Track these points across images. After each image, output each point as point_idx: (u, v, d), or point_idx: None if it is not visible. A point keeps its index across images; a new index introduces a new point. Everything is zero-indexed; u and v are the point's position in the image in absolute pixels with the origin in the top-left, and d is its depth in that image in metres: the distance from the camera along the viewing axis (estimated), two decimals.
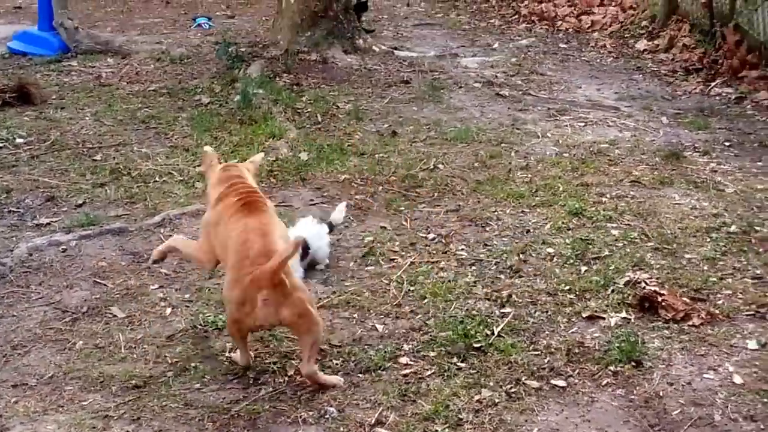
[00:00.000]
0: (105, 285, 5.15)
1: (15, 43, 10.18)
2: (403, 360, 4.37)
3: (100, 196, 6.33)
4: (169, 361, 4.41)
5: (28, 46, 10.06)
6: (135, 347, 4.54)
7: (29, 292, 5.09)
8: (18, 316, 4.84)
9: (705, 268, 5.13)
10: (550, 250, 5.37)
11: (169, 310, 4.87)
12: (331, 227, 5.42)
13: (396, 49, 9.95)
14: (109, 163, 6.89)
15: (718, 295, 4.86)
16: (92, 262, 5.40)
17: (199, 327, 4.70)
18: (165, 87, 8.80)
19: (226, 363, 4.40)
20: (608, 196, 6.10)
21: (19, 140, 7.31)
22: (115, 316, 4.84)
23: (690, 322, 4.56)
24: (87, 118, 7.90)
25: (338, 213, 5.50)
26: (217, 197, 4.47)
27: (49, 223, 5.95)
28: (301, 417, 3.99)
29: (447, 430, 3.86)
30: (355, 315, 4.79)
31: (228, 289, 4.13)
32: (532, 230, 5.63)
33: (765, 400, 3.99)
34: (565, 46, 10.31)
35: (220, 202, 4.43)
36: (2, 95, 8.19)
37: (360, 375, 4.27)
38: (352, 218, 5.89)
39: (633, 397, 4.05)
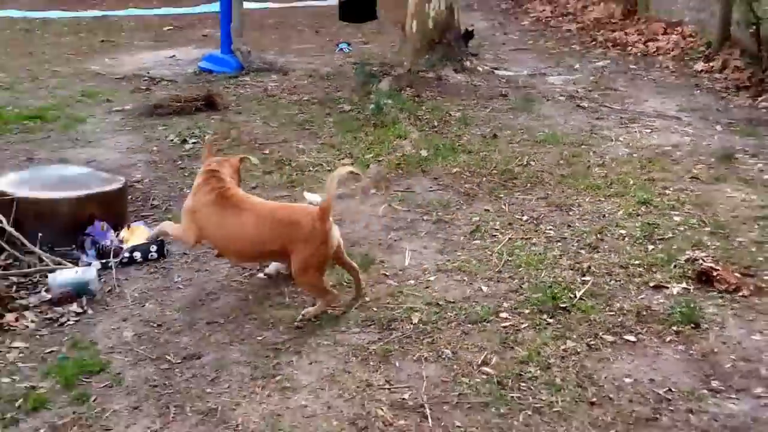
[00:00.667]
0: None
1: (204, 63, 10.44)
2: (503, 315, 4.36)
3: (268, 181, 6.46)
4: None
5: (213, 65, 10.30)
6: (296, 297, 4.63)
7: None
8: (210, 271, 5.00)
9: (753, 249, 4.95)
10: (623, 231, 5.26)
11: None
12: None
13: (496, 69, 9.85)
14: (275, 156, 7.02)
15: (765, 272, 4.69)
16: None
17: (344, 284, 4.76)
18: (316, 97, 8.91)
19: (365, 312, 4.45)
20: (671, 189, 5.94)
21: (207, 137, 7.51)
22: (281, 272, 4.94)
23: (740, 293, 4.42)
24: (257, 121, 8.07)
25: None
26: (195, 187, 4.72)
27: None
28: (423, 356, 4.03)
29: (539, 371, 3.84)
30: (465, 278, 4.78)
31: (307, 233, 4.26)
32: (607, 215, 5.52)
33: None
34: (634, 67, 10.04)
35: (197, 192, 4.67)
36: (195, 103, 8.42)
37: (469, 325, 4.27)
38: (462, 202, 5.88)
39: (692, 352, 3.96)
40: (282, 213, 4.52)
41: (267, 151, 7.14)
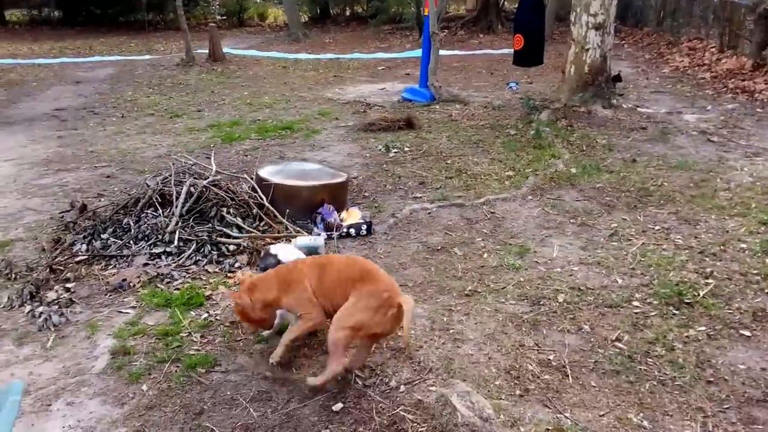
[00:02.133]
0: (451, 235, 5.29)
1: (406, 94, 10.62)
2: (635, 303, 4.13)
3: (449, 184, 6.49)
4: (486, 283, 4.48)
5: (413, 96, 10.47)
6: (466, 273, 4.64)
7: (409, 235, 5.34)
8: (402, 247, 5.11)
9: None
10: (743, 245, 4.80)
11: (486, 254, 4.92)
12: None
13: (638, 107, 9.28)
14: (455, 166, 7.03)
15: None
16: (444, 221, 5.57)
17: (504, 266, 4.71)
18: (488, 123, 8.83)
19: (521, 289, 4.37)
20: None
21: (406, 149, 7.67)
22: (456, 253, 4.97)
23: None
24: (443, 139, 8.11)
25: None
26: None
27: (420, 197, 6.18)
28: (566, 328, 3.91)
29: (664, 351, 3.61)
30: (603, 271, 4.57)
31: (365, 300, 3.29)
32: (730, 231, 5.07)
33: None
34: (760, 110, 9.08)
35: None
36: (398, 123, 8.61)
37: (605, 308, 4.09)
38: (603, 211, 5.62)
39: None
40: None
41: (449, 162, 7.17)
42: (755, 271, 4.40)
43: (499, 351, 3.70)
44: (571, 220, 5.47)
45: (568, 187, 6.26)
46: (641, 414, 3.14)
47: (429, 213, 5.74)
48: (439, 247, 5.06)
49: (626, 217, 5.48)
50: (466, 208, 5.83)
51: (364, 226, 5.34)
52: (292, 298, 3.52)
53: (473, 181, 6.54)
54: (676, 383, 3.35)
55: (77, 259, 4.79)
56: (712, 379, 3.36)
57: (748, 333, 3.74)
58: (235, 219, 5.16)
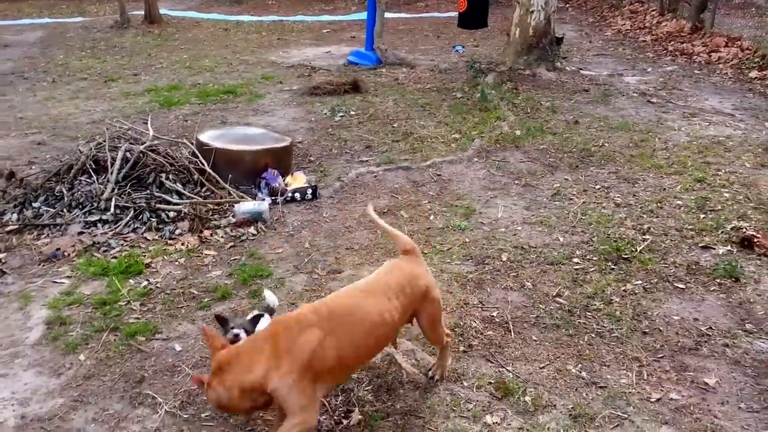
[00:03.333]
0: (397, 197, 5.30)
1: (351, 57, 10.49)
2: (575, 260, 4.24)
3: (395, 148, 6.47)
4: (433, 245, 4.51)
5: (358, 59, 10.34)
6: (413, 234, 4.64)
7: (355, 198, 5.32)
8: (349, 211, 5.09)
9: None
10: (680, 202, 4.98)
11: (432, 216, 4.96)
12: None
13: (581, 69, 9.43)
14: (402, 129, 7.01)
15: None
16: (390, 185, 5.56)
17: (450, 227, 4.75)
18: (435, 86, 8.82)
19: (466, 250, 4.43)
20: (723, 171, 5.55)
21: (352, 113, 7.59)
22: (402, 215, 4.98)
23: None
24: (390, 102, 8.07)
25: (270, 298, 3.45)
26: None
27: (367, 160, 6.15)
28: (509, 285, 3.98)
29: (602, 305, 3.73)
30: (546, 230, 4.67)
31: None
32: (667, 189, 5.24)
33: None
34: (698, 72, 9.36)
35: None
36: (344, 86, 8.51)
37: (547, 265, 4.18)
38: (546, 172, 5.72)
39: (731, 300, 3.75)
40: None
41: (395, 125, 7.14)
42: (690, 227, 4.57)
43: (444, 310, 3.74)
44: (516, 181, 5.55)
45: (512, 149, 6.33)
46: (580, 365, 3.24)
47: (375, 176, 5.73)
48: (385, 210, 5.06)
49: (568, 177, 5.59)
50: (413, 170, 5.83)
51: (310, 191, 5.29)
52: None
53: (420, 144, 6.53)
54: (614, 335, 3.47)
55: (8, 228, 4.60)
56: (647, 330, 3.50)
57: (682, 285, 3.90)
58: (174, 185, 5.03)
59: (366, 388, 3.13)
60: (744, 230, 4.37)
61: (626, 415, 2.90)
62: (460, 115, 7.43)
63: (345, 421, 2.94)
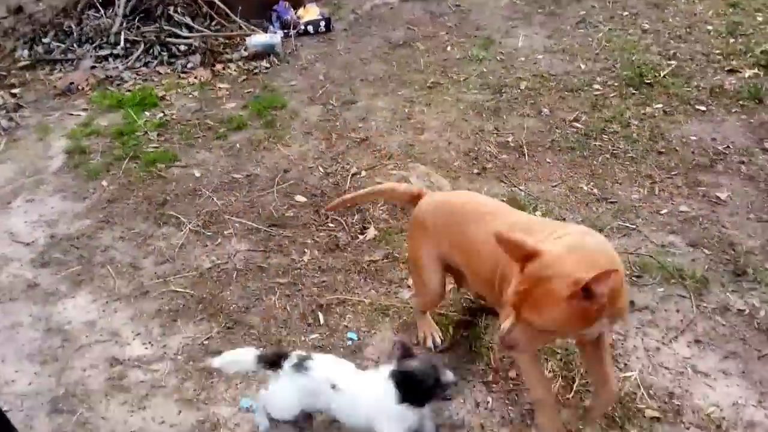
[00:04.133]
0: (413, 30, 5.13)
1: None
2: (596, 86, 4.15)
3: None
4: (449, 75, 4.43)
5: None
6: (429, 66, 4.58)
7: (370, 31, 5.17)
8: (363, 44, 4.97)
9: None
10: (710, 27, 4.73)
11: (449, 47, 4.82)
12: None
13: None
14: None
15: None
16: (406, 16, 5.36)
17: (468, 58, 4.63)
18: None
19: (483, 79, 4.35)
20: None
21: None
22: (419, 47, 4.85)
23: None
24: None
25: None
26: None
27: None
28: (526, 113, 3.94)
29: (619, 128, 3.71)
30: (568, 58, 4.52)
31: None
32: (698, 14, 4.95)
33: None
34: None
35: None
36: None
37: (566, 92, 4.12)
38: None
39: (752, 121, 3.69)
40: None
41: None
42: (718, 51, 4.39)
43: (459, 136, 3.77)
44: (539, 10, 5.30)
45: None
46: (592, 183, 3.29)
47: (391, 8, 5.51)
48: (401, 42, 4.92)
49: (595, 4, 5.31)
50: (431, 2, 5.57)
51: (323, 23, 5.14)
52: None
53: None
54: (629, 155, 3.47)
55: (20, 64, 4.60)
56: (663, 150, 3.49)
57: (703, 108, 3.82)
58: (183, 18, 4.91)
59: (381, 208, 3.23)
60: None
61: (634, 226, 2.98)
62: None
63: (361, 236, 3.08)
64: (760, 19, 4.80)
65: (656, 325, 2.46)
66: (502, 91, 4.19)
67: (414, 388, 1.90)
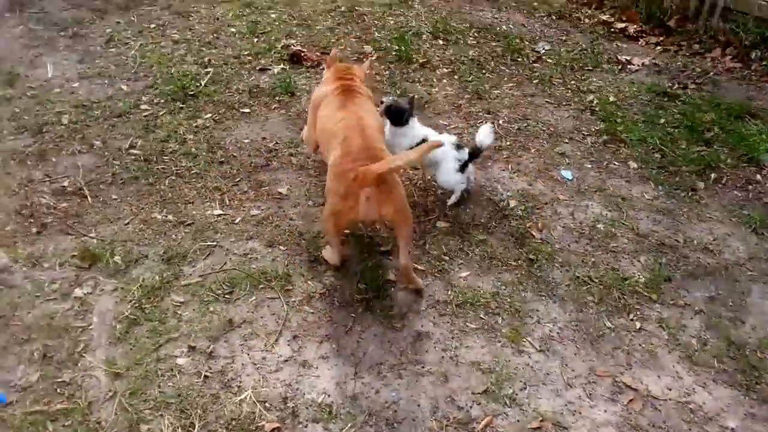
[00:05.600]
0: None
1: None
2: (143, 106, 4.03)
3: None
4: None
5: None
6: None
7: None
8: None
9: (328, 34, 5.00)
10: (233, 29, 5.00)
11: None
12: (477, 153, 3.26)
13: None
14: None
15: (337, 49, 4.81)
16: None
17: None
18: None
19: (17, 121, 3.82)
20: None
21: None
22: None
23: (321, 67, 4.48)
24: None
25: (484, 136, 3.23)
26: (323, 81, 3.21)
27: None
28: (77, 149, 3.61)
29: (177, 145, 3.69)
30: (106, 81, 4.25)
31: (331, 181, 2.67)
32: (220, 18, 5.19)
33: None
34: None
35: (324, 85, 3.14)
36: None
37: (115, 119, 3.89)
38: (95, 17, 5.09)
39: (290, 114, 4.04)
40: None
41: None
42: (246, 52, 4.68)
43: (5, 194, 3.25)
44: (61, 33, 4.86)
45: None
46: (165, 210, 3.21)
47: None
48: None
49: (120, 19, 5.11)
50: None
51: None
52: None
53: None
54: (193, 172, 3.48)
55: None
56: (223, 159, 3.60)
57: (247, 110, 4.05)
58: None
59: None
60: (292, 47, 4.66)
61: (215, 243, 3.02)
62: None
63: None
64: (273, 16, 5.27)
65: (257, 335, 2.56)
66: (44, 130, 3.75)
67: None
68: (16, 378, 2.36)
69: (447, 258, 3.00)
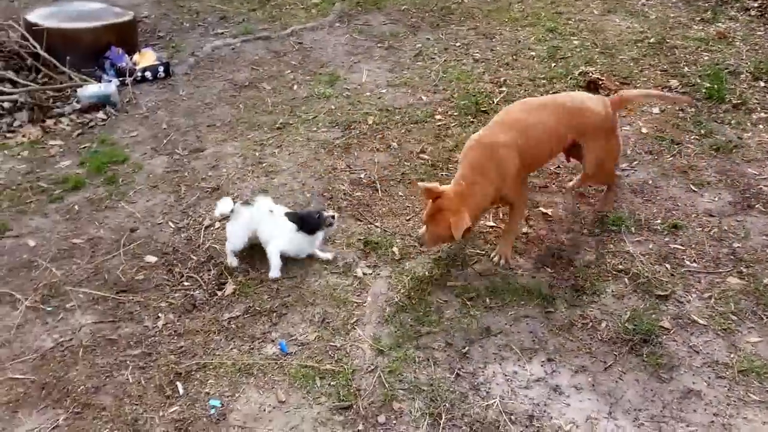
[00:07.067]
0: (258, 69, 5.08)
1: None
2: (438, 117, 4.32)
3: (252, 17, 6.11)
4: (298, 114, 4.42)
5: None
6: (276, 106, 4.54)
7: (213, 73, 5.05)
8: (207, 87, 4.85)
9: (631, 64, 4.83)
10: (533, 53, 5.11)
11: (296, 86, 4.82)
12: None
13: None
14: None
15: (637, 81, 4.61)
16: (250, 57, 5.30)
17: (315, 95, 4.65)
18: None
19: (331, 117, 4.38)
20: (573, 19, 5.67)
21: None
22: (264, 87, 4.80)
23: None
24: None
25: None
26: None
27: (223, 33, 5.79)
28: (375, 147, 4.01)
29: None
30: (409, 90, 4.68)
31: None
32: (522, 41, 5.34)
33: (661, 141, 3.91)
34: None
35: None
36: None
37: (411, 125, 4.24)
38: (408, 32, 5.63)
39: None
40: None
41: None
42: (542, 76, 4.73)
43: (312, 177, 3.75)
44: (379, 44, 5.45)
45: (374, 12, 6.15)
46: None
47: (233, 49, 5.42)
48: (246, 84, 4.85)
49: (430, 36, 5.55)
50: (273, 40, 5.56)
51: (162, 68, 4.94)
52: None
53: (278, 11, 6.20)
54: None
55: None
56: None
57: None
58: (5, 73, 4.51)
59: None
60: (590, 74, 4.58)
61: (484, 252, 3.09)
62: None
63: (219, 293, 2.95)
64: (575, 42, 5.24)
65: (511, 348, 2.57)
66: (351, 127, 4.24)
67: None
68: (298, 333, 2.70)
69: (735, 318, 2.68)
